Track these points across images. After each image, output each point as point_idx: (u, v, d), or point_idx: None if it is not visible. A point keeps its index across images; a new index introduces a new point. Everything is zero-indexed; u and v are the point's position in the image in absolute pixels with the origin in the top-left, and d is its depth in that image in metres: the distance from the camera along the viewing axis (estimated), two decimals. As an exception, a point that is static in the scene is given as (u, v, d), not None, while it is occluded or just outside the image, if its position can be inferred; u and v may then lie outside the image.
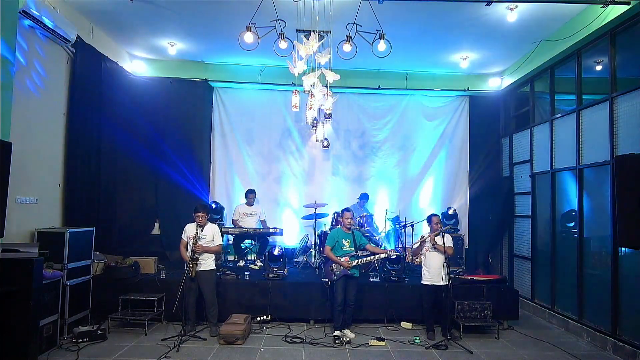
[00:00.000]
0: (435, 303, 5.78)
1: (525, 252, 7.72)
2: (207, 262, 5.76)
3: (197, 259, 5.65)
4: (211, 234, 5.79)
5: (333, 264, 5.67)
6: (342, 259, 5.64)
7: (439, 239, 5.73)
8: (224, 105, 8.77)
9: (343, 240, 5.76)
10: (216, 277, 6.03)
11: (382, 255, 5.90)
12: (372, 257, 5.89)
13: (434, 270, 5.69)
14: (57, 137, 5.97)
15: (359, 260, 5.72)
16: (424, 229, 6.02)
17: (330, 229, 7.54)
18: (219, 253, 6.23)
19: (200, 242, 5.64)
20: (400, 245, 7.72)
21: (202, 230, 5.68)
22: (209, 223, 5.90)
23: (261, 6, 5.14)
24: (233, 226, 7.81)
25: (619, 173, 3.80)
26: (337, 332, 5.60)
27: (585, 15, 5.74)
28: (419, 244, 5.87)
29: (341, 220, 5.99)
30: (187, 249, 5.74)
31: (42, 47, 5.55)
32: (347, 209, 5.97)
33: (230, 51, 7.62)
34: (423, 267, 5.85)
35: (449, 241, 5.76)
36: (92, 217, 6.35)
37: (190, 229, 5.80)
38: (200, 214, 5.69)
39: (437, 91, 8.64)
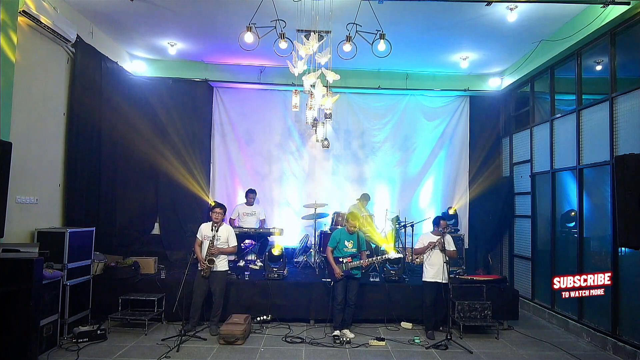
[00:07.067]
0: (436, 301, 5.79)
1: (525, 252, 7.71)
2: (221, 263, 5.78)
3: (214, 261, 5.67)
4: (225, 235, 5.82)
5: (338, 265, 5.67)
6: (345, 259, 5.65)
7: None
8: (224, 105, 8.77)
9: (345, 242, 5.76)
10: (228, 278, 6.04)
11: (368, 261, 5.85)
12: (365, 261, 5.78)
13: (437, 268, 5.73)
14: (57, 137, 5.96)
15: (356, 262, 5.69)
16: (424, 229, 6.02)
17: (330, 229, 7.53)
18: (233, 254, 6.25)
19: (215, 243, 5.68)
20: (401, 246, 7.72)
21: (217, 231, 5.70)
22: (224, 224, 5.92)
23: (261, 6, 5.14)
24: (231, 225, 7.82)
25: (618, 173, 3.79)
26: (336, 332, 5.61)
27: (585, 15, 5.74)
28: (430, 248, 5.82)
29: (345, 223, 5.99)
30: (201, 247, 5.78)
31: (42, 47, 5.54)
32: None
33: (230, 51, 7.61)
34: (426, 264, 5.87)
35: (452, 244, 5.83)
36: (92, 217, 6.35)
37: (205, 229, 5.83)
38: (218, 210, 5.78)
39: (437, 91, 8.64)
